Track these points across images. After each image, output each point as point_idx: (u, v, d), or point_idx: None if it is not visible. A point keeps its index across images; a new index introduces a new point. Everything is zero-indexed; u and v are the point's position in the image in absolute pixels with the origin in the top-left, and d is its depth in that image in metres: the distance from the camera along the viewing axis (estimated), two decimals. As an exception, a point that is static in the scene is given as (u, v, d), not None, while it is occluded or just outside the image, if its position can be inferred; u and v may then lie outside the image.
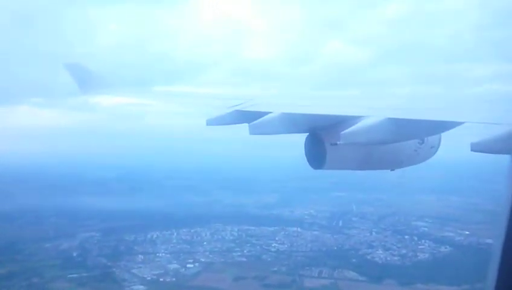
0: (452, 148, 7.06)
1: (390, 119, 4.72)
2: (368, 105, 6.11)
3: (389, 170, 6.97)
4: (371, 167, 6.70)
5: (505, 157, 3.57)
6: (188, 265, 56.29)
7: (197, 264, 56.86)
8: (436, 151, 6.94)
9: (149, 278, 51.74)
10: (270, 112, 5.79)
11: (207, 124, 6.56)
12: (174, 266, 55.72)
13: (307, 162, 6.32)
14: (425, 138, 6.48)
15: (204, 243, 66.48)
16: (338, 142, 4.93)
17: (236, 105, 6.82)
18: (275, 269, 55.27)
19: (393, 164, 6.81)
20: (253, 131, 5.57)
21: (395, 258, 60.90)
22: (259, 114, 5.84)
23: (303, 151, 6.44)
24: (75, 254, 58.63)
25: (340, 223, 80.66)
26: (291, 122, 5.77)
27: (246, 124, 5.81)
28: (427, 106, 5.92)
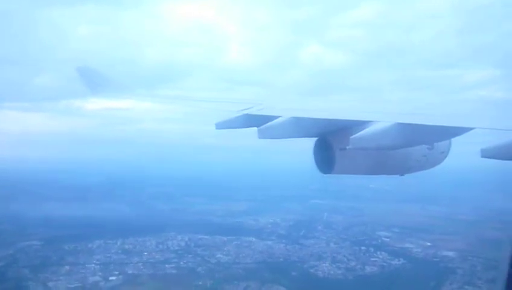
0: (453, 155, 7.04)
1: (399, 124, 4.66)
2: (376, 110, 6.19)
3: (397, 175, 6.93)
4: (379, 172, 6.60)
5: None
6: (111, 277, 53.02)
7: (120, 276, 53.49)
8: (446, 157, 6.85)
9: (62, 292, 48.82)
10: (280, 116, 5.73)
11: (216, 128, 6.54)
12: (95, 278, 52.56)
13: (316, 167, 6.22)
14: (435, 144, 6.41)
15: (145, 253, 63.28)
16: (347, 147, 4.75)
17: (245, 109, 6.80)
18: (200, 283, 51.68)
19: (402, 169, 6.70)
20: (262, 135, 5.46)
21: (339, 271, 56.56)
22: (269, 118, 5.80)
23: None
24: (-1, 265, 56.13)
25: (302, 233, 76.67)
26: (301, 127, 5.73)
27: (254, 128, 5.76)
28: (435, 112, 5.85)
